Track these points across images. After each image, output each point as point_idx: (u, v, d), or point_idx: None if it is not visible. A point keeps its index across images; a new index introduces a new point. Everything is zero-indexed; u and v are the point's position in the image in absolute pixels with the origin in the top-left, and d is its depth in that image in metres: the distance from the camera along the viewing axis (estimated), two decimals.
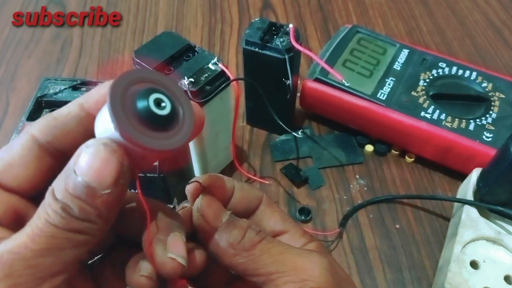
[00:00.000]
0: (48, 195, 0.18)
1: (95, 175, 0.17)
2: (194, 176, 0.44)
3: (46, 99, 0.34)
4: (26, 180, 0.20)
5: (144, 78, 0.18)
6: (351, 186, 0.46)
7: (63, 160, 0.19)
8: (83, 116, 0.20)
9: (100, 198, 0.17)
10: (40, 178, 0.20)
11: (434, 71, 0.49)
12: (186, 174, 0.42)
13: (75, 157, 0.17)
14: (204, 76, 0.37)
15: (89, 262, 0.24)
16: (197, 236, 0.22)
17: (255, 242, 0.21)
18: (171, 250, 0.20)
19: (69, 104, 0.20)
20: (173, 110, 0.18)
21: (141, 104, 0.17)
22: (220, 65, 0.38)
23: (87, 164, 0.17)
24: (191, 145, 0.42)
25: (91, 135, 0.18)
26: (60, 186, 0.17)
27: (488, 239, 0.37)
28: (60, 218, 0.17)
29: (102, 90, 0.20)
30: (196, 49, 0.40)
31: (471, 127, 0.44)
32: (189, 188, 0.23)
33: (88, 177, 0.17)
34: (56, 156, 0.20)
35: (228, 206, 0.24)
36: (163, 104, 0.18)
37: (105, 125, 0.18)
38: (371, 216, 0.44)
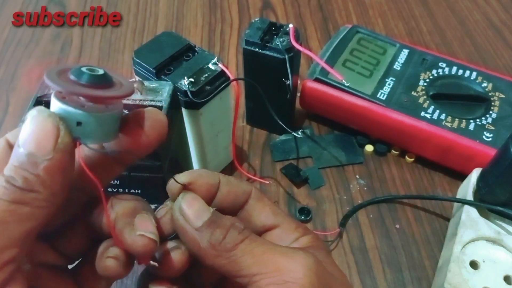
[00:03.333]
0: None
1: (34, 142, 0.17)
2: None
3: (46, 99, 0.34)
4: None
5: (71, 67, 0.20)
6: (351, 186, 0.46)
7: None
8: (6, 149, 0.20)
9: (41, 164, 0.17)
10: None
11: (434, 71, 0.49)
12: None
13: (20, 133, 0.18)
14: (204, 76, 0.37)
15: (70, 267, 0.24)
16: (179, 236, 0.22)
17: (237, 242, 0.20)
18: (139, 228, 0.20)
19: None
20: (107, 74, 0.20)
21: (74, 71, 0.19)
22: (220, 65, 0.38)
23: (26, 133, 0.18)
24: (191, 145, 0.42)
25: None
26: (8, 164, 0.18)
27: (488, 239, 0.37)
28: (4, 190, 0.17)
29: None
30: (196, 49, 0.40)
31: (471, 127, 0.44)
32: (169, 187, 0.22)
33: (28, 145, 0.17)
34: None
35: (213, 202, 0.23)
36: (95, 70, 0.19)
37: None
38: (371, 216, 0.44)
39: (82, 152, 0.20)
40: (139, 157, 0.22)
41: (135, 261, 0.22)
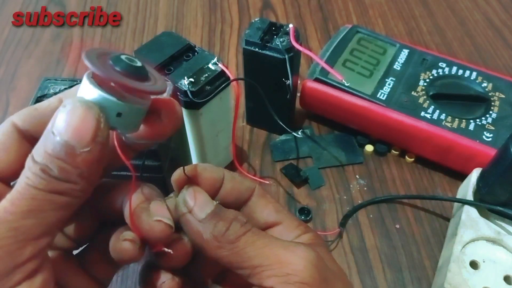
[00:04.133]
0: (28, 160, 0.17)
1: (73, 133, 0.17)
2: None
3: (46, 99, 0.34)
4: (6, 164, 0.20)
5: (110, 51, 0.20)
6: (351, 186, 0.46)
7: None
8: None
9: (79, 156, 0.17)
10: (20, 163, 0.20)
11: (434, 71, 0.49)
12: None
13: (53, 119, 0.17)
14: (204, 76, 0.37)
15: (76, 252, 0.24)
16: (182, 227, 0.22)
17: (239, 234, 0.21)
18: (155, 213, 0.20)
19: (50, 98, 0.21)
20: (145, 67, 0.20)
21: (114, 58, 0.19)
22: (220, 65, 0.38)
23: (65, 122, 0.17)
24: (191, 145, 0.42)
25: None
26: (39, 149, 0.17)
27: (488, 239, 0.37)
28: (40, 180, 0.17)
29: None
30: (196, 49, 0.40)
31: (471, 127, 0.44)
32: (174, 178, 0.22)
33: (66, 135, 0.17)
34: (35, 144, 0.20)
35: (216, 197, 0.23)
36: (134, 60, 0.19)
37: (82, 92, 0.18)
38: (371, 216, 0.44)
39: (116, 138, 0.20)
40: (152, 145, 0.23)
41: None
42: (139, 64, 0.19)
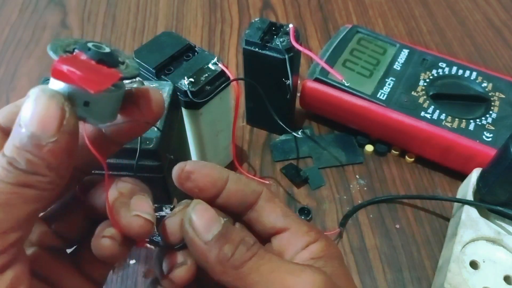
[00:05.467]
0: None
1: (38, 123, 0.17)
2: None
3: None
4: None
5: (76, 41, 0.19)
6: (351, 186, 0.46)
7: None
8: None
9: (46, 147, 0.17)
10: None
11: (434, 71, 0.49)
12: None
13: (20, 112, 0.17)
14: (204, 76, 0.37)
15: (69, 250, 0.23)
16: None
17: (245, 260, 0.20)
18: (135, 208, 0.20)
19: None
20: (114, 52, 0.19)
21: (81, 46, 0.18)
22: (220, 65, 0.38)
23: (29, 112, 0.17)
24: (191, 145, 0.42)
25: None
26: (8, 143, 0.17)
27: (488, 239, 0.37)
28: (6, 173, 0.17)
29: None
30: (196, 49, 0.40)
31: (471, 127, 0.44)
32: (174, 175, 0.22)
33: (31, 127, 0.17)
34: None
35: (219, 198, 0.22)
36: (102, 47, 0.19)
37: (50, 83, 0.18)
38: (371, 216, 0.44)
39: (84, 129, 0.19)
40: (135, 137, 0.22)
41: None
42: (107, 50, 0.19)
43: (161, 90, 0.35)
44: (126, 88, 0.20)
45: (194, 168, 0.22)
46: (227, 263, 0.20)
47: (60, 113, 0.17)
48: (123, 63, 0.20)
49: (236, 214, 0.23)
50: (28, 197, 0.17)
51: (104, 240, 0.20)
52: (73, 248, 0.24)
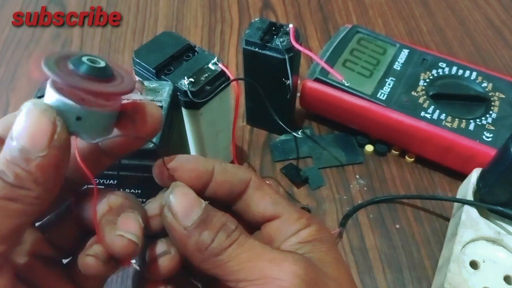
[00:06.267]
0: None
1: (28, 137, 0.16)
2: None
3: None
4: None
5: (72, 55, 0.19)
6: (351, 186, 0.46)
7: None
8: None
9: (34, 161, 0.17)
10: None
11: (434, 71, 0.49)
12: None
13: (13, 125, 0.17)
14: (204, 76, 0.37)
15: (66, 261, 0.23)
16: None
17: (224, 247, 0.19)
18: (120, 228, 0.19)
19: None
20: (108, 67, 0.19)
21: (75, 61, 0.18)
22: (220, 65, 0.38)
23: (20, 126, 0.17)
24: (191, 145, 0.42)
25: None
26: (0, 156, 0.17)
27: (488, 239, 0.37)
28: None
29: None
30: (196, 49, 0.40)
31: (471, 127, 0.44)
32: (155, 172, 0.21)
33: (22, 140, 0.16)
34: None
35: (206, 191, 0.22)
36: (97, 61, 0.18)
37: (45, 97, 0.18)
38: (371, 216, 0.44)
39: (75, 144, 0.19)
40: (131, 151, 0.21)
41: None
42: (101, 64, 0.18)
43: (160, 91, 0.35)
44: (123, 101, 0.20)
45: (177, 164, 0.21)
46: (206, 251, 0.19)
47: (51, 128, 0.17)
48: (118, 77, 0.19)
49: (225, 204, 0.23)
50: (13, 211, 0.17)
51: (88, 258, 0.19)
52: (69, 258, 0.23)
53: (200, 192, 0.21)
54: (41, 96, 0.34)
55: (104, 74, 0.18)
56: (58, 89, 0.18)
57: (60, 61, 0.18)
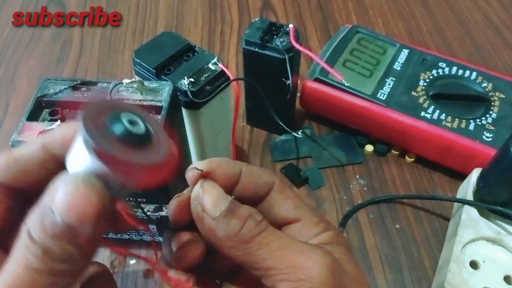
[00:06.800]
0: (23, 236, 0.16)
1: (76, 214, 0.16)
2: None
3: (46, 99, 0.34)
4: None
5: (110, 107, 0.18)
6: (351, 186, 0.46)
7: (24, 199, 0.18)
8: (46, 159, 0.19)
9: (83, 237, 0.16)
10: (5, 219, 0.19)
11: (434, 71, 0.49)
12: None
13: (50, 195, 0.16)
14: (204, 76, 0.37)
15: None
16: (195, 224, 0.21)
17: (254, 234, 0.20)
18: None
19: (31, 144, 0.19)
20: (147, 128, 0.18)
21: (116, 125, 0.17)
22: (220, 65, 0.38)
23: (66, 202, 0.16)
24: (191, 145, 0.42)
25: (53, 175, 0.18)
26: (36, 226, 0.16)
27: (488, 239, 0.37)
28: (41, 262, 0.16)
29: (67, 131, 0.19)
30: (196, 49, 0.40)
31: (471, 127, 0.44)
32: (189, 176, 0.22)
33: (68, 216, 0.16)
34: (16, 197, 0.19)
35: (233, 192, 0.22)
36: (136, 123, 0.17)
37: (80, 159, 0.17)
38: (371, 216, 0.44)
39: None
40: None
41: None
42: (141, 130, 0.17)
43: (160, 91, 0.35)
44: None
45: (210, 169, 0.22)
46: (236, 238, 0.20)
47: (100, 205, 0.16)
48: (155, 137, 0.18)
49: (249, 205, 0.23)
50: (59, 282, 0.17)
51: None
52: None
53: (228, 193, 0.22)
54: (41, 97, 0.34)
55: (141, 141, 0.17)
56: (97, 153, 0.17)
57: (98, 116, 0.17)
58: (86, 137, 0.16)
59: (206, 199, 0.21)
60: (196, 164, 0.22)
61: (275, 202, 0.23)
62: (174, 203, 0.22)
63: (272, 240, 0.20)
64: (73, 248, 0.16)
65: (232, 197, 0.21)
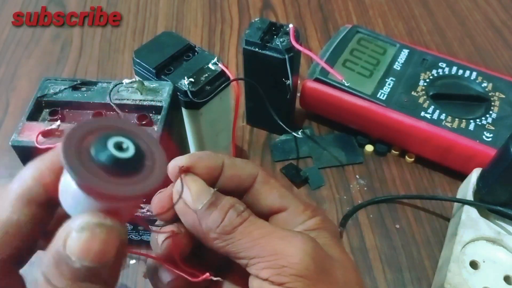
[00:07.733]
0: (43, 284, 0.16)
1: (96, 257, 0.16)
2: None
3: (46, 99, 0.34)
4: None
5: (99, 127, 0.17)
6: (351, 186, 0.46)
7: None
8: (28, 217, 0.18)
9: (103, 274, 0.16)
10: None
11: (434, 71, 0.49)
12: None
13: (62, 241, 0.16)
14: (204, 76, 0.37)
15: None
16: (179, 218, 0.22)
17: (236, 225, 0.20)
18: None
19: (22, 175, 0.18)
20: (138, 150, 0.17)
21: (101, 152, 0.16)
22: (220, 65, 0.38)
23: (84, 248, 0.16)
24: (191, 145, 0.42)
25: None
26: (54, 272, 0.16)
27: (488, 239, 0.37)
28: None
29: (41, 165, 0.18)
30: (196, 49, 0.40)
31: (471, 127, 0.44)
32: (170, 171, 0.22)
33: (88, 261, 0.16)
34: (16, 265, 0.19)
35: (216, 185, 0.22)
36: (124, 146, 0.16)
37: (74, 197, 0.16)
38: (371, 216, 0.44)
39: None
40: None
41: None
42: (129, 154, 0.16)
43: (160, 91, 0.35)
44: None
45: (190, 163, 0.22)
46: (218, 229, 0.20)
47: (118, 240, 0.16)
48: (149, 160, 0.17)
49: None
50: None
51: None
52: None
53: (210, 185, 0.22)
54: (41, 97, 0.34)
55: (130, 166, 0.16)
56: (82, 188, 0.16)
57: (80, 144, 0.16)
58: (69, 171, 0.15)
59: (188, 192, 0.21)
60: (177, 159, 0.22)
61: (260, 193, 0.23)
62: (156, 199, 0.22)
63: (254, 229, 0.20)
64: (96, 285, 0.16)
65: (215, 189, 0.21)
